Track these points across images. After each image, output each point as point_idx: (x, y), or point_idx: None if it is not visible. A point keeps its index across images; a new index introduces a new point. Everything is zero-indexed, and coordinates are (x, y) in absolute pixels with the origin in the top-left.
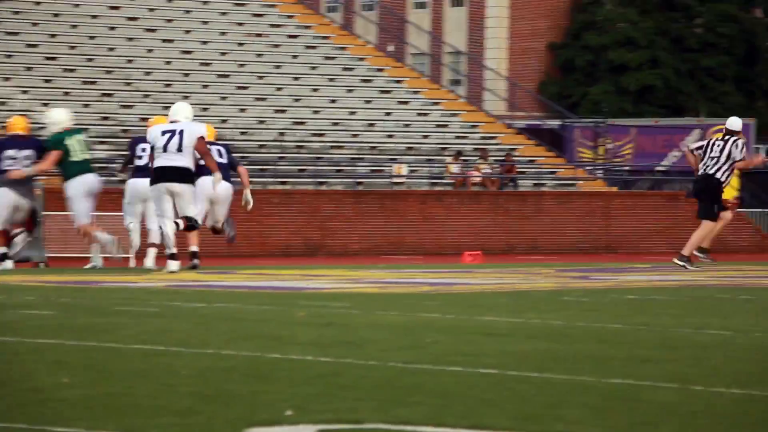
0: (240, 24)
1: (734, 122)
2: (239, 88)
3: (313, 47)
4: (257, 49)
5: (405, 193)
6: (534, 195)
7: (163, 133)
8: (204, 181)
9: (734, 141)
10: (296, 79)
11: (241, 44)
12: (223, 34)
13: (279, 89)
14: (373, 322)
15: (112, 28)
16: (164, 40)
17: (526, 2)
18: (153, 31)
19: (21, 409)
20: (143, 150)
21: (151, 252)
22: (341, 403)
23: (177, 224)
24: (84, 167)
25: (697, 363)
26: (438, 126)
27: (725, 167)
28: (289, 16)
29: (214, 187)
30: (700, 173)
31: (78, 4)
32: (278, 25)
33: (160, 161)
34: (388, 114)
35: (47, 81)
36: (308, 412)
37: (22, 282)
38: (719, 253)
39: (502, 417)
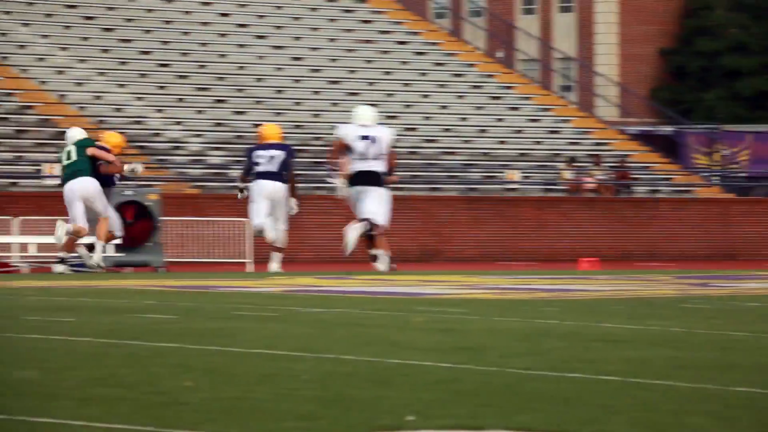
0: (349, 30)
1: None
2: (349, 93)
3: (423, 53)
4: (367, 56)
5: (520, 199)
6: (650, 201)
7: (361, 138)
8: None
9: None
10: (406, 85)
11: (350, 50)
12: (332, 40)
13: (389, 95)
14: (492, 328)
15: (223, 35)
16: (274, 47)
17: (635, 7)
18: (263, 37)
19: (145, 411)
20: (258, 157)
21: (276, 257)
22: (462, 409)
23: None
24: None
25: None
26: (550, 132)
27: None
28: (398, 23)
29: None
30: None
31: (189, 12)
32: (387, 32)
33: (358, 165)
34: (499, 120)
35: (161, 87)
36: (429, 418)
37: (143, 286)
38: None
39: (625, 424)
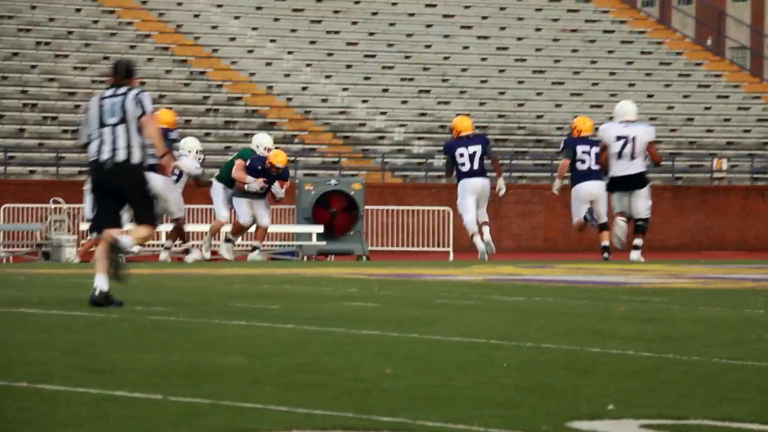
0: (555, 20)
1: None
2: (555, 83)
3: (629, 42)
4: (573, 45)
5: (726, 189)
6: None
7: (618, 138)
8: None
9: None
10: (612, 74)
11: (556, 40)
12: (538, 30)
13: (595, 84)
14: (696, 318)
15: (429, 26)
16: (479, 37)
17: None
18: (469, 28)
19: (346, 398)
20: (461, 155)
21: (481, 235)
22: (664, 399)
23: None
24: None
25: None
26: (759, 120)
27: None
28: (605, 11)
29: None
30: None
31: (395, 3)
32: (594, 21)
33: (617, 169)
34: (707, 108)
35: (366, 78)
36: (630, 407)
37: (346, 274)
38: None
39: None
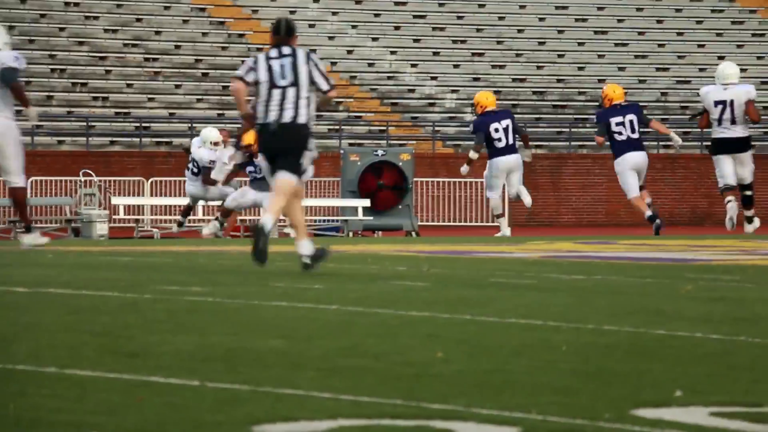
0: None
1: None
2: (618, 45)
3: (699, 0)
4: (637, 3)
5: None
6: None
7: (716, 104)
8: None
9: None
10: (680, 34)
11: None
12: None
13: (661, 45)
14: None
15: None
16: None
17: None
18: None
19: (394, 383)
20: (496, 131)
21: (503, 221)
22: (735, 385)
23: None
24: None
25: None
26: None
27: None
28: None
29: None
30: None
31: None
32: None
33: (717, 133)
34: None
35: (416, 41)
36: (699, 393)
37: (394, 252)
38: None
39: None
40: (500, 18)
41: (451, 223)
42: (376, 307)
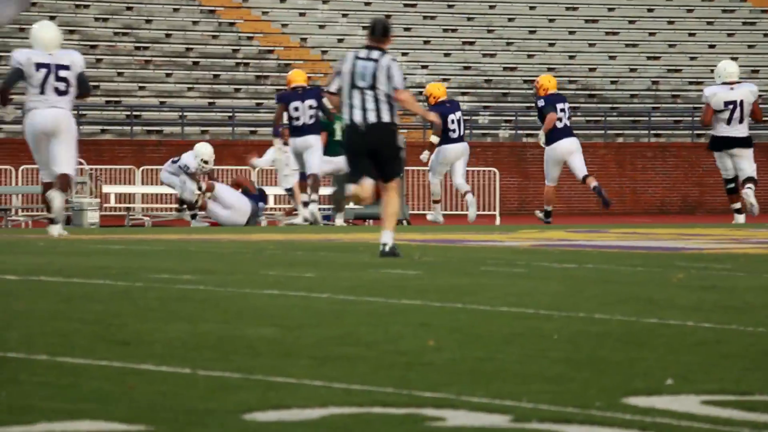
0: None
1: None
2: (608, 33)
3: None
4: None
5: None
6: None
7: (726, 104)
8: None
9: None
10: (670, 23)
11: None
12: None
13: (652, 34)
14: (760, 286)
15: None
16: None
17: None
18: None
19: (385, 372)
20: (452, 122)
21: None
22: (726, 373)
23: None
24: None
25: None
26: None
27: None
28: None
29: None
30: None
31: None
32: None
33: (721, 131)
34: None
35: (407, 29)
36: (690, 382)
37: None
38: None
39: None
40: (491, 6)
41: (443, 212)
42: (368, 296)
